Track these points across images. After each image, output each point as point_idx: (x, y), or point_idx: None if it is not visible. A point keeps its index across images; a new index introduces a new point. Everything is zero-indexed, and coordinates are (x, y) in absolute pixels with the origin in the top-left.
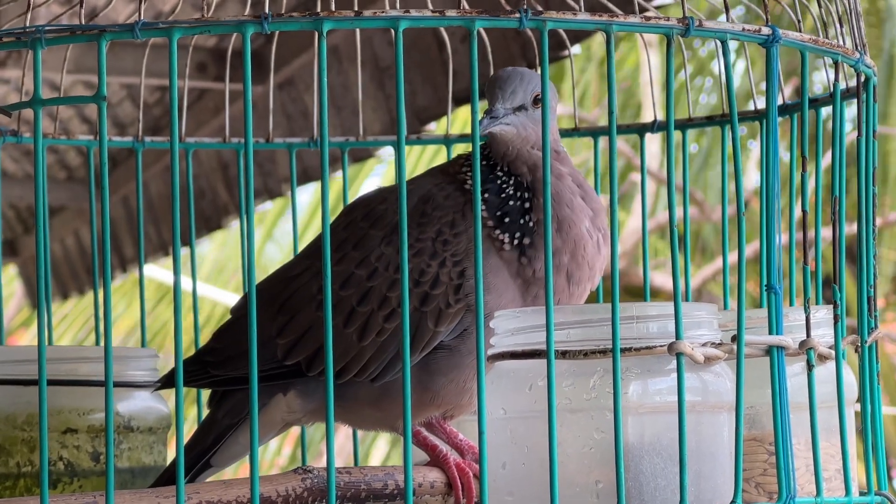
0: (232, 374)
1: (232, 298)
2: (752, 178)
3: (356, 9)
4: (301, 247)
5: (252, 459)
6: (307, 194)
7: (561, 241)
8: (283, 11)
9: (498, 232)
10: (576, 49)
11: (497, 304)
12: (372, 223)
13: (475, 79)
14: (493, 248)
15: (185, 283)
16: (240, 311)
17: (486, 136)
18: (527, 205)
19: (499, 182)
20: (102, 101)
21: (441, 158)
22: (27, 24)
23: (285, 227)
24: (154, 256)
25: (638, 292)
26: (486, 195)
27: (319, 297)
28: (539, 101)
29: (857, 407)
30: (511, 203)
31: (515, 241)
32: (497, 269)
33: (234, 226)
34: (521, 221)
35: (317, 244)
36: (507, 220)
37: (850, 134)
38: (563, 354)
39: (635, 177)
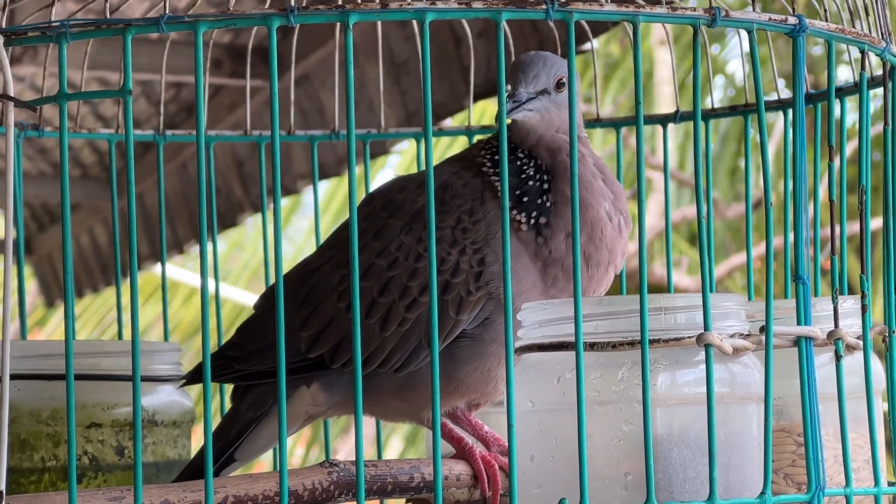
0: (255, 368)
1: (243, 295)
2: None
3: (379, 1)
4: (322, 240)
5: (281, 453)
6: (321, 191)
7: (566, 237)
8: (304, 5)
9: (515, 212)
10: (596, 43)
11: (518, 289)
12: (391, 213)
13: (502, 69)
14: (512, 231)
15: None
16: (262, 306)
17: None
18: (545, 186)
19: (518, 163)
20: (128, 95)
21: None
22: (51, 19)
23: (298, 224)
24: (168, 255)
25: (655, 290)
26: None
27: (341, 289)
28: (562, 84)
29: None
30: (530, 183)
31: (532, 221)
32: (517, 254)
33: (248, 223)
34: (539, 202)
35: (338, 236)
36: (524, 199)
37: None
38: (592, 346)
39: (650, 174)
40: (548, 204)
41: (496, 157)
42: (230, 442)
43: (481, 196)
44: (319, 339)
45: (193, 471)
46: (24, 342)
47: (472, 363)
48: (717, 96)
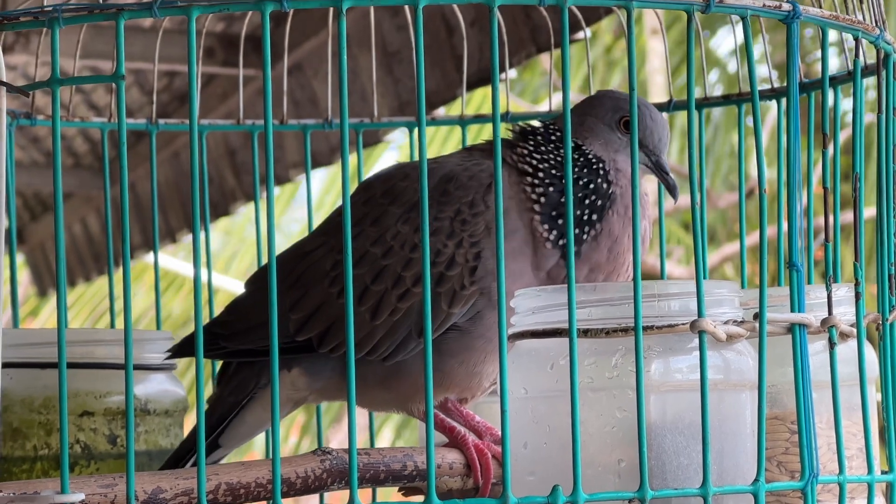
0: (241, 346)
1: (233, 284)
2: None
3: None
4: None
5: (274, 441)
6: (315, 181)
7: (605, 259)
8: None
9: (545, 227)
10: (589, 32)
11: (508, 288)
12: (391, 200)
13: (495, 57)
14: (530, 237)
15: (190, 269)
16: (253, 285)
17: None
18: (593, 216)
19: (574, 177)
20: (121, 80)
21: (453, 139)
22: (44, 4)
23: (292, 215)
24: (161, 244)
25: (649, 279)
26: (551, 189)
27: (333, 274)
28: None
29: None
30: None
31: (561, 242)
32: (516, 255)
33: (241, 212)
34: (577, 231)
35: (333, 220)
36: (560, 221)
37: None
38: (585, 333)
39: None
40: (585, 237)
41: (538, 156)
42: (214, 427)
43: (487, 189)
44: (309, 322)
45: (179, 456)
46: (16, 330)
47: (458, 357)
48: (710, 82)
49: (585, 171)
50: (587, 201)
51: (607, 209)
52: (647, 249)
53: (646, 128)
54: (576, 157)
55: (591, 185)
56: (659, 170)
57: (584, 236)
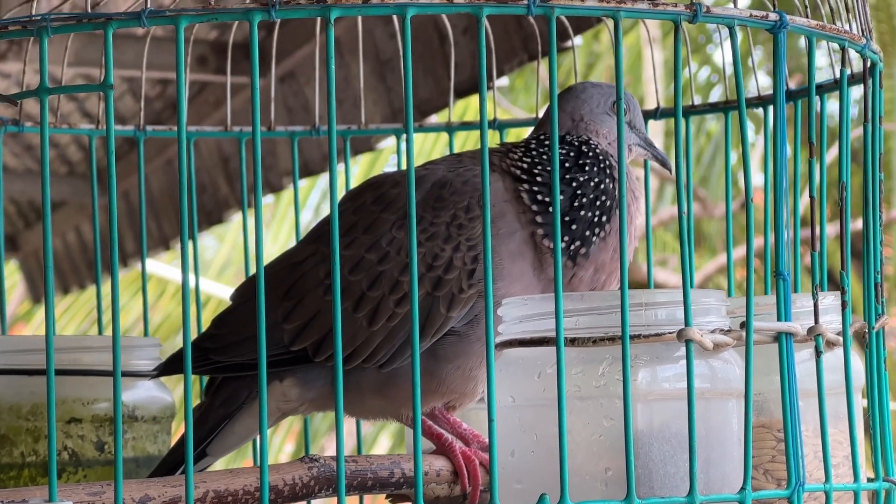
0: (234, 360)
1: (228, 292)
2: (755, 175)
3: None
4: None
5: (262, 448)
6: (312, 188)
7: (609, 258)
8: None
9: (542, 231)
10: (578, 40)
11: (508, 290)
12: (384, 207)
13: (483, 66)
14: (529, 239)
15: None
16: (240, 299)
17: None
18: (603, 217)
19: (586, 178)
20: (109, 90)
21: (440, 146)
22: (33, 13)
23: (286, 223)
24: (154, 251)
25: (640, 287)
26: (560, 196)
27: (327, 282)
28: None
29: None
30: (582, 213)
31: (568, 246)
32: (515, 257)
33: (234, 219)
34: (587, 233)
35: (322, 229)
36: (573, 227)
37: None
38: (572, 342)
39: (637, 171)
40: (595, 239)
41: (531, 161)
42: (203, 437)
43: (481, 195)
44: (304, 332)
45: (168, 466)
46: (4, 337)
47: (455, 361)
48: (710, 84)
49: (596, 170)
50: (598, 202)
51: (615, 208)
52: (632, 251)
53: (635, 109)
54: (588, 158)
55: (602, 186)
56: (649, 146)
57: (594, 238)
